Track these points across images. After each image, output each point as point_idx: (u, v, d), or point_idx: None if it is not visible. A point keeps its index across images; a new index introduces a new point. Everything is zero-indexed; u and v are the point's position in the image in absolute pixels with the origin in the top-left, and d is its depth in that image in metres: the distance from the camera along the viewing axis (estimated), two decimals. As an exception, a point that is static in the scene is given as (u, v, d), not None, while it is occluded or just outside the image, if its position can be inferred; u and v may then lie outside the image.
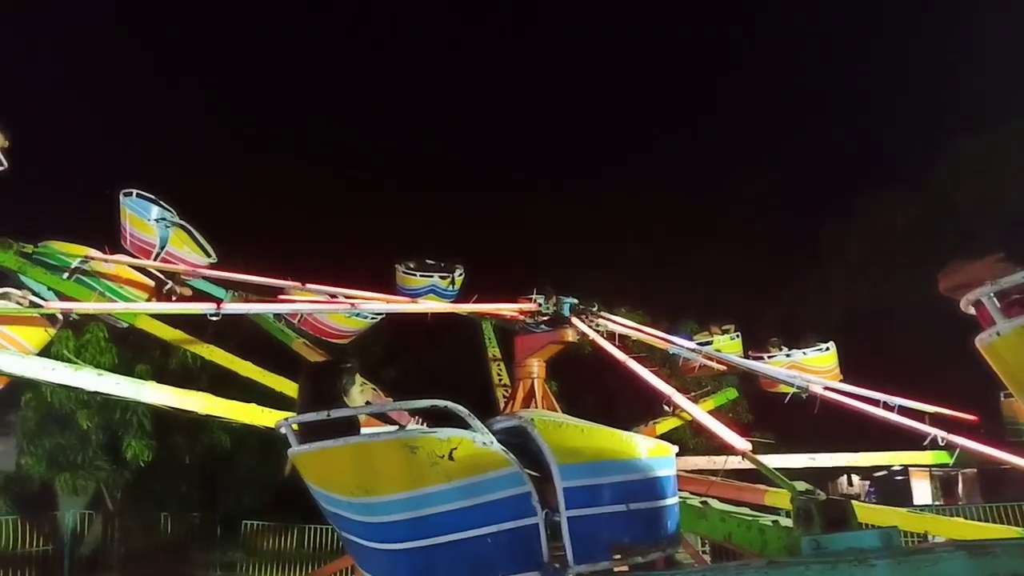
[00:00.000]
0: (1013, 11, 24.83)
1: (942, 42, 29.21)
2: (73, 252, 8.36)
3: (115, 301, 8.40)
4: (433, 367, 20.74)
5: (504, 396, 9.63)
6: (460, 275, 11.74)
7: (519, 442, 3.45)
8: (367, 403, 4.05)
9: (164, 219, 9.52)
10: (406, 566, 3.21)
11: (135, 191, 9.59)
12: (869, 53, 34.18)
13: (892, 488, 23.85)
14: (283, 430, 3.42)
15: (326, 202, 30.88)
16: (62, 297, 7.76)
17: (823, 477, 19.69)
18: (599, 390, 17.05)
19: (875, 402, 8.06)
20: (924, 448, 8.05)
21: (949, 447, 8.08)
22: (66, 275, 8.24)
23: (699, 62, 39.87)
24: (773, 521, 4.07)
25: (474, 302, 9.96)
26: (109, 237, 9.33)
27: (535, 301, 8.75)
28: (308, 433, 3.41)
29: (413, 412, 6.38)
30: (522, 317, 8.95)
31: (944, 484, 24.63)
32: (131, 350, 16.19)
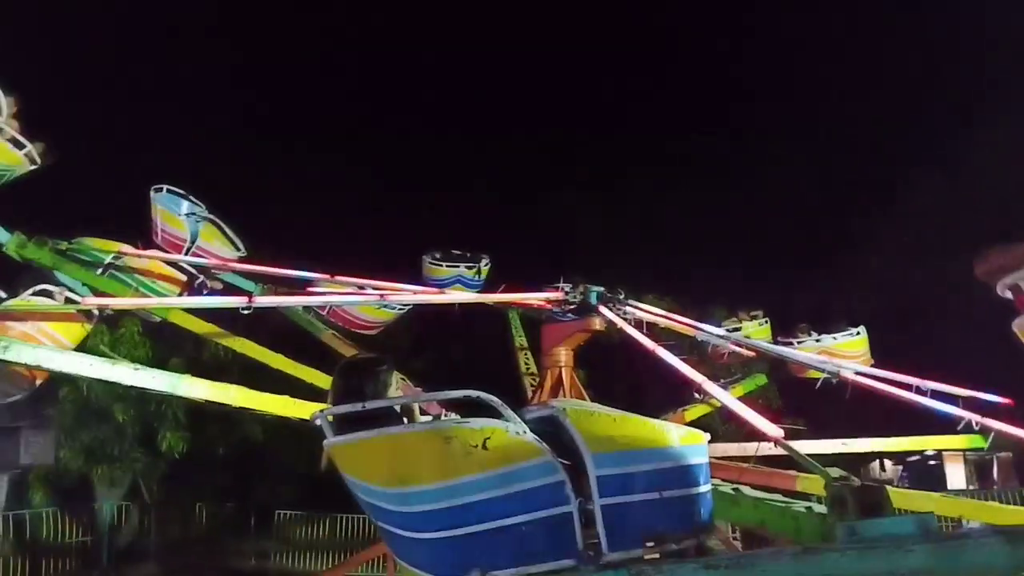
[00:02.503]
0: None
1: (980, 20, 28.61)
2: (106, 248, 8.50)
3: (148, 296, 8.54)
4: (461, 357, 20.84)
5: (532, 385, 9.65)
6: (486, 265, 11.77)
7: (551, 431, 3.46)
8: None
9: (194, 214, 9.66)
10: (443, 554, 3.25)
11: (165, 187, 9.72)
12: (904, 31, 33.55)
13: (925, 473, 23.62)
14: (318, 422, 3.46)
15: (353, 194, 31.01)
16: (97, 293, 7.90)
17: (855, 462, 19.50)
18: (628, 377, 17.02)
19: (907, 386, 7.99)
20: (958, 432, 7.97)
21: (984, 431, 7.99)
22: (100, 271, 8.39)
23: (728, 44, 39.39)
24: (807, 507, 4.06)
25: (501, 291, 9.98)
26: (141, 233, 9.48)
27: (562, 290, 8.76)
28: (343, 425, 3.46)
29: (444, 403, 6.43)
30: (549, 306, 8.96)
31: (979, 468, 24.33)
32: (164, 344, 16.45)
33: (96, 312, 7.32)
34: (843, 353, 10.59)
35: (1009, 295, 3.09)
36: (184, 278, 8.92)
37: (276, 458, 19.26)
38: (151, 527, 19.94)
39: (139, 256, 8.68)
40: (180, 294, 8.85)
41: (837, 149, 31.04)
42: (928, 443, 10.03)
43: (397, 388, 3.85)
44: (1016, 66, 24.91)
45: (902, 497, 6.82)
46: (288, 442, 17.78)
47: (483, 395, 3.32)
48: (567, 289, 8.70)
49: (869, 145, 30.43)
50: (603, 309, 8.36)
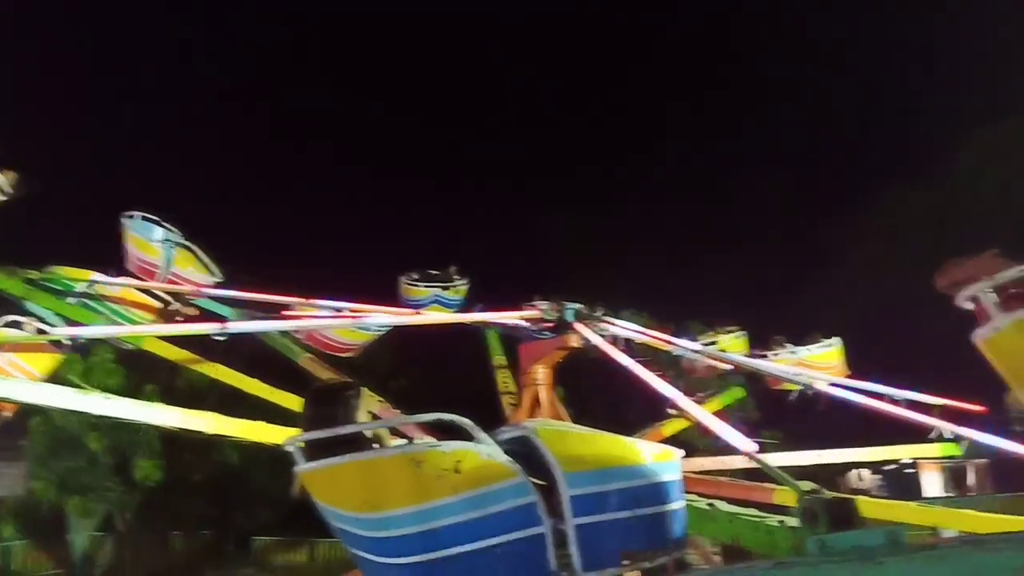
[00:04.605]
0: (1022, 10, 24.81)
1: (946, 40, 29.19)
2: (78, 277, 8.41)
3: (121, 324, 8.44)
4: (440, 377, 20.78)
5: (511, 404, 9.64)
6: (464, 284, 11.77)
7: (524, 452, 3.47)
8: (374, 417, 4.07)
9: (168, 240, 9.56)
10: (416, 580, 3.24)
11: (138, 213, 9.63)
12: (875, 53, 34.18)
13: (902, 481, 23.77)
14: (289, 448, 3.44)
15: (329, 216, 30.98)
16: (69, 322, 7.80)
17: (833, 473, 19.64)
18: (608, 394, 17.06)
19: (881, 396, 8.07)
20: (931, 440, 8.05)
21: (957, 439, 8.08)
22: (72, 300, 8.29)
23: (704, 65, 39.89)
24: (780, 521, 4.09)
25: (478, 311, 9.98)
26: (114, 260, 9.38)
27: (538, 308, 8.77)
28: (315, 451, 3.44)
29: (419, 425, 6.41)
30: (526, 324, 8.97)
31: (955, 475, 24.54)
32: (138, 371, 16.27)
33: (67, 342, 7.23)
34: (818, 365, 10.68)
35: (970, 306, 3.14)
36: (158, 305, 8.83)
37: (253, 484, 19.06)
38: (126, 558, 19.59)
39: (111, 284, 8.59)
40: (154, 321, 8.76)
41: (811, 164, 31.46)
42: (903, 452, 10.10)
43: (367, 412, 3.84)
44: (986, 84, 25.43)
45: (877, 507, 6.86)
46: (265, 467, 17.62)
47: (455, 418, 3.32)
48: (543, 307, 8.72)
49: (843, 160, 30.86)
50: (579, 326, 8.38)
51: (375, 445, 3.58)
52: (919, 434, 8.16)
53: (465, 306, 11.32)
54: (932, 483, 24.28)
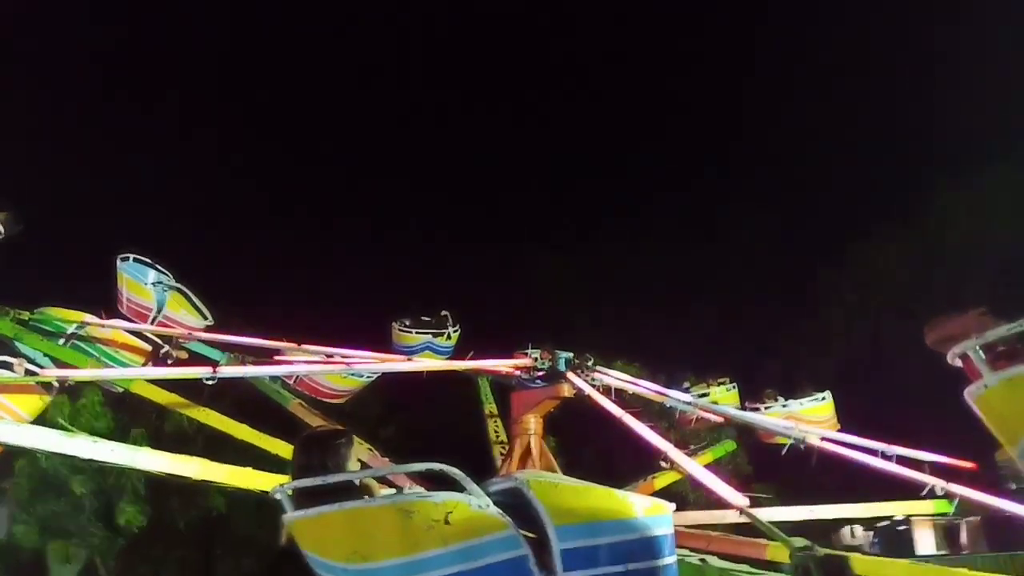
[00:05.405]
0: (998, 58, 25.37)
1: (929, 87, 29.76)
2: (69, 318, 8.39)
3: (111, 366, 8.40)
4: (430, 425, 20.62)
5: (501, 453, 9.57)
6: (456, 331, 11.77)
7: (515, 503, 3.45)
8: (363, 465, 4.05)
9: (161, 283, 9.59)
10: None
11: (132, 256, 9.66)
12: (857, 100, 34.75)
13: (895, 538, 23.46)
14: (278, 495, 3.41)
15: (322, 263, 31.06)
16: (59, 364, 7.76)
17: (826, 529, 19.42)
18: (599, 444, 16.94)
19: (873, 452, 8.06)
20: (923, 497, 8.02)
21: (948, 496, 8.05)
22: (62, 341, 8.26)
23: (687, 111, 40.45)
24: (772, 578, 4.06)
25: (470, 358, 9.97)
26: (107, 302, 9.38)
27: (530, 356, 8.77)
28: (303, 499, 3.41)
29: (409, 475, 6.36)
30: (518, 372, 8.96)
31: (948, 533, 24.28)
32: (127, 414, 16.14)
33: (56, 383, 7.18)
34: (809, 418, 10.65)
35: (959, 363, 3.17)
36: (148, 348, 8.80)
37: (239, 531, 18.76)
38: (107, 606, 19.18)
39: (102, 326, 8.56)
40: (144, 364, 8.72)
41: (803, 215, 31.71)
42: (895, 508, 10.05)
43: (357, 461, 3.82)
44: (971, 132, 25.83)
45: (870, 564, 6.79)
46: (252, 514, 17.35)
47: (446, 468, 3.31)
48: (535, 355, 8.72)
49: (835, 210, 31.13)
50: (571, 375, 8.37)
51: (365, 495, 3.55)
52: (912, 490, 8.12)
53: (457, 354, 11.31)
54: (925, 540, 24.01)
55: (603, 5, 44.68)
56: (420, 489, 4.04)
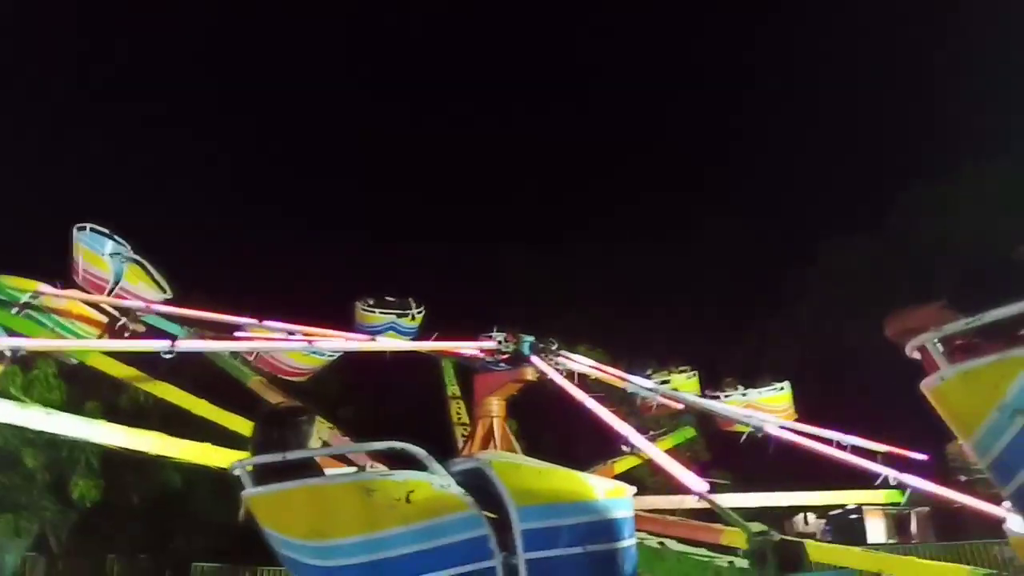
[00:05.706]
0: (968, 62, 25.83)
1: (892, 90, 30.25)
2: (23, 287, 8.16)
3: (66, 337, 8.21)
4: (392, 406, 20.56)
5: (463, 435, 9.56)
6: (420, 312, 11.69)
7: (478, 484, 3.44)
8: (324, 443, 4.01)
9: (119, 254, 9.36)
10: (361, 611, 3.17)
11: (89, 225, 9.43)
12: (826, 101, 35.22)
13: (847, 527, 24.04)
14: (237, 472, 3.37)
15: (285, 239, 30.73)
16: (11, 333, 7.57)
17: (780, 515, 19.80)
18: (560, 428, 17.01)
19: (828, 441, 8.19)
20: (876, 487, 8.18)
21: (900, 486, 8.22)
22: (15, 310, 8.04)
23: (660, 112, 40.70)
24: (729, 562, 4.11)
25: (434, 340, 9.92)
26: (62, 272, 9.14)
27: (495, 339, 8.76)
28: (263, 476, 3.37)
29: (371, 453, 6.32)
30: (482, 355, 8.95)
31: (898, 523, 24.91)
32: (81, 387, 15.81)
33: (8, 353, 7.00)
34: (768, 407, 10.79)
35: (917, 356, 3.21)
36: (104, 320, 8.61)
37: (195, 507, 18.56)
38: (58, 580, 18.90)
39: (57, 296, 8.35)
40: (100, 336, 8.53)
41: (765, 209, 32.16)
42: (848, 497, 10.27)
43: (318, 438, 3.78)
44: (936, 132, 26.30)
45: (823, 551, 6.92)
46: (209, 491, 17.17)
47: (409, 446, 3.28)
48: (500, 339, 8.71)
49: (796, 205, 31.58)
50: (535, 359, 8.38)
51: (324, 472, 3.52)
52: (865, 480, 8.28)
53: (421, 335, 11.25)
54: (876, 529, 24.60)
55: (581, 7, 44.71)
56: (382, 468, 4.01)
